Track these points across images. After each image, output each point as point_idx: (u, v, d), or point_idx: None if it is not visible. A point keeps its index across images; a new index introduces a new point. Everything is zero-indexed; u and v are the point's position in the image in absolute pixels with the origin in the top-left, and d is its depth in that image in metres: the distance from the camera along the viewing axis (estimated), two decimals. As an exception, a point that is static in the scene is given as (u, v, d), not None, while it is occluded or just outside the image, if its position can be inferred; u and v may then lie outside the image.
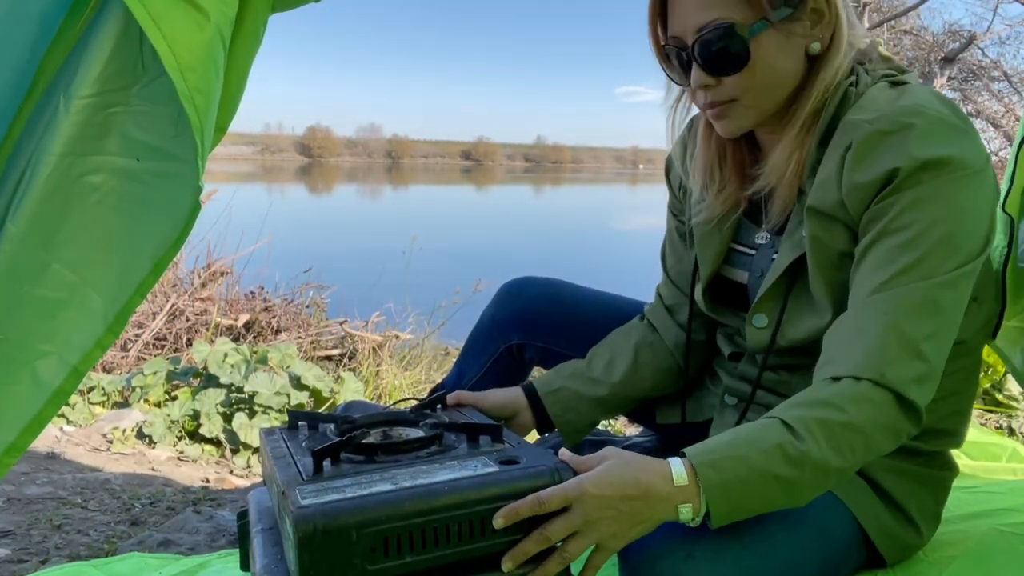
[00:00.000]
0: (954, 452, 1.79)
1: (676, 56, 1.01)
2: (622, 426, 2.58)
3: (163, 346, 3.90)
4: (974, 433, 1.90)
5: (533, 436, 1.55)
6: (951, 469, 1.11)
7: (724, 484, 0.81)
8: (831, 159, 0.95)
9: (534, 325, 1.34)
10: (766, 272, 1.06)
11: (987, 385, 2.70)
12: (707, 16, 0.94)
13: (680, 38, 0.98)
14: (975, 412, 2.56)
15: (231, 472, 2.33)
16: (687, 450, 0.85)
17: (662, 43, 1.03)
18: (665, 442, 1.37)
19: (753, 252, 1.10)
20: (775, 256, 1.05)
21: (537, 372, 1.41)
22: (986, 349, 2.71)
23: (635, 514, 0.81)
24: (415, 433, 0.97)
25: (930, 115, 0.90)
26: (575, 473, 0.84)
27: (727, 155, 1.10)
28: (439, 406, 1.15)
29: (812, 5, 0.94)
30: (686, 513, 0.82)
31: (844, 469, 0.86)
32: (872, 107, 0.94)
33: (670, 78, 1.06)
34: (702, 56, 0.96)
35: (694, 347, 1.24)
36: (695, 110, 1.09)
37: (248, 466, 2.43)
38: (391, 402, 2.99)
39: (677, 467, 0.82)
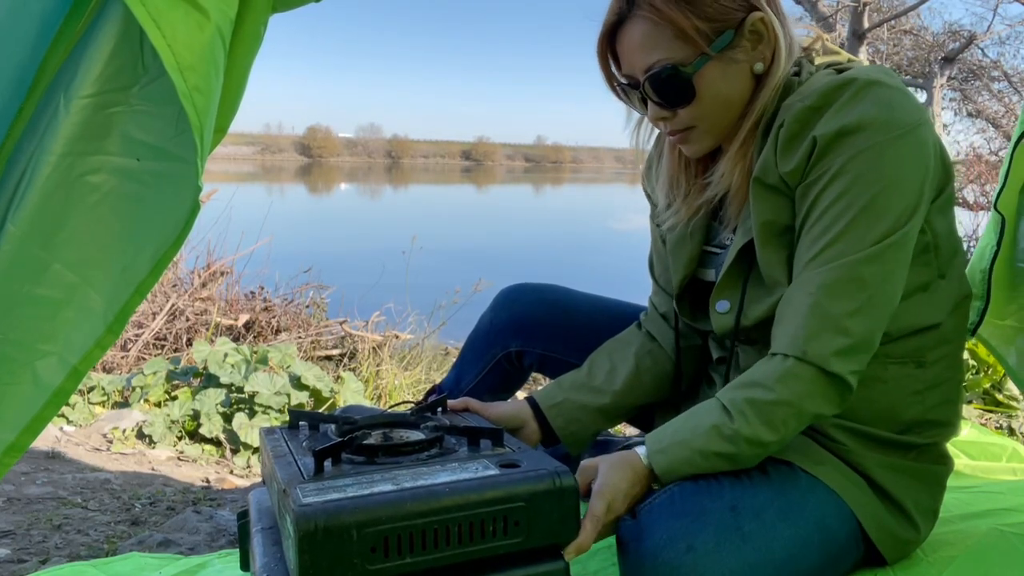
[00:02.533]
0: (954, 452, 1.79)
1: (631, 92, 1.07)
2: (621, 427, 2.58)
3: (163, 346, 3.90)
4: (974, 433, 1.90)
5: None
6: (946, 464, 1.12)
7: (671, 466, 0.96)
8: (771, 141, 1.00)
9: (532, 331, 1.35)
10: None
11: (987, 385, 2.70)
12: (652, 58, 1.00)
13: (632, 76, 1.04)
14: (975, 412, 2.56)
15: (231, 472, 2.33)
16: (646, 437, 1.00)
17: (615, 82, 1.08)
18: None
19: (721, 252, 1.14)
20: None
21: (537, 377, 1.42)
22: (985, 349, 2.72)
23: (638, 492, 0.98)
24: (416, 435, 0.97)
25: (859, 83, 0.94)
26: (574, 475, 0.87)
27: (689, 164, 1.15)
28: (439, 409, 1.15)
29: (749, 28, 0.99)
30: (655, 487, 0.98)
31: (780, 439, 0.95)
32: (808, 89, 0.98)
33: (632, 107, 1.12)
34: (653, 93, 1.02)
35: (690, 351, 1.25)
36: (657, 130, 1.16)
37: (248, 466, 2.43)
38: (390, 404, 2.99)
39: (642, 453, 0.98)
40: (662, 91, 1.01)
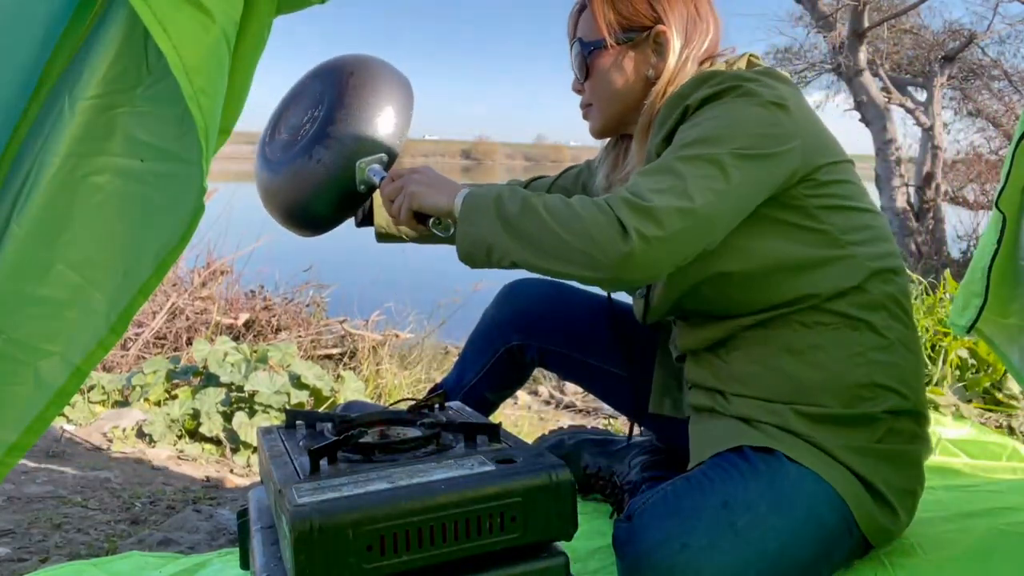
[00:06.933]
0: (954, 451, 1.79)
1: None
2: (621, 425, 2.58)
3: (163, 345, 3.91)
4: (974, 432, 1.90)
5: (530, 437, 1.54)
6: (918, 443, 1.09)
7: (471, 194, 1.07)
8: (654, 128, 1.13)
9: (533, 326, 1.37)
10: None
11: (987, 384, 2.70)
12: (578, 33, 1.22)
13: None
14: (975, 411, 2.56)
15: (231, 471, 2.34)
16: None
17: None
18: (664, 439, 1.38)
19: None
20: None
21: (539, 372, 1.44)
22: (985, 347, 2.72)
23: (432, 183, 1.16)
24: (412, 432, 0.98)
25: (727, 73, 1.07)
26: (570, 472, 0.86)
27: (617, 164, 1.29)
28: (436, 406, 1.15)
29: (655, 39, 1.15)
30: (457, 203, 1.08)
31: (555, 230, 0.97)
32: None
33: None
34: (571, 62, 1.24)
35: None
36: None
37: (248, 465, 2.43)
38: (390, 402, 2.99)
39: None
40: (574, 61, 1.23)
